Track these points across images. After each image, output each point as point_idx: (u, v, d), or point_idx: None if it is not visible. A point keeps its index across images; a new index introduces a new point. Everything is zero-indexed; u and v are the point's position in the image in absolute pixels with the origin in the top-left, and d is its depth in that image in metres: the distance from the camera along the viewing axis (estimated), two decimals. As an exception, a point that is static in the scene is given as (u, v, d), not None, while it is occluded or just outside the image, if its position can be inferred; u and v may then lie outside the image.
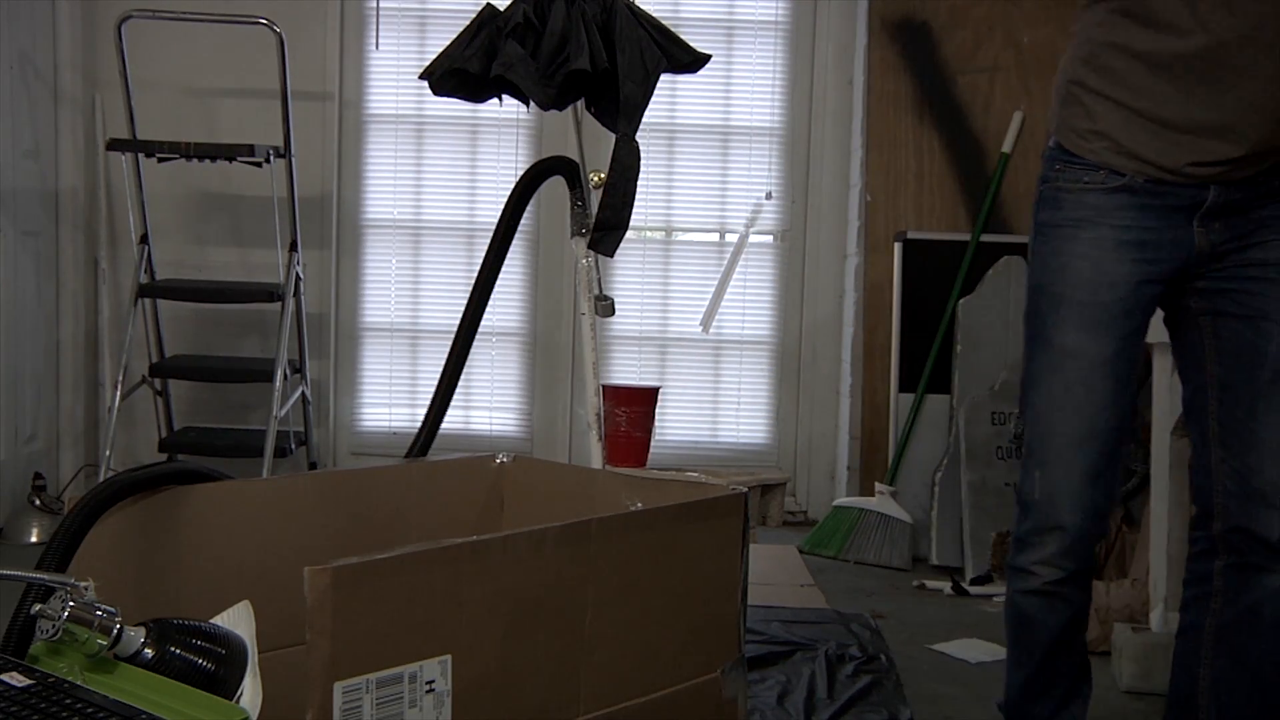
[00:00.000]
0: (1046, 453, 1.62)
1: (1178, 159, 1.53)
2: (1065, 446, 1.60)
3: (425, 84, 2.36)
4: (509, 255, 2.20)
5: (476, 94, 2.46)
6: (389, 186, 3.96)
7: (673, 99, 3.92)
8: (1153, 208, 1.56)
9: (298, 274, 3.50)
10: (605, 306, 2.81)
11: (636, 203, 2.27)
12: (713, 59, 2.32)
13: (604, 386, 3.46)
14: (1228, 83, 1.48)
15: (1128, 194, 1.56)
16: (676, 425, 3.99)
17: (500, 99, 2.42)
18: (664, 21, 2.40)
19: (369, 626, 1.09)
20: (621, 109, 2.27)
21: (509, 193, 2.45)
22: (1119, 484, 1.78)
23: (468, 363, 2.23)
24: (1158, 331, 2.30)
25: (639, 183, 2.33)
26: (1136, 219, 1.56)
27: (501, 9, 2.35)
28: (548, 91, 2.27)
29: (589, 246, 2.46)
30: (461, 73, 2.35)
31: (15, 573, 1.28)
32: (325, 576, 1.05)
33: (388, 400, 3.98)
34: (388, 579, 1.11)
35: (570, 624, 1.30)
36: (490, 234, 2.13)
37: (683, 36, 2.37)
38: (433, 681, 1.14)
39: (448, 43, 2.30)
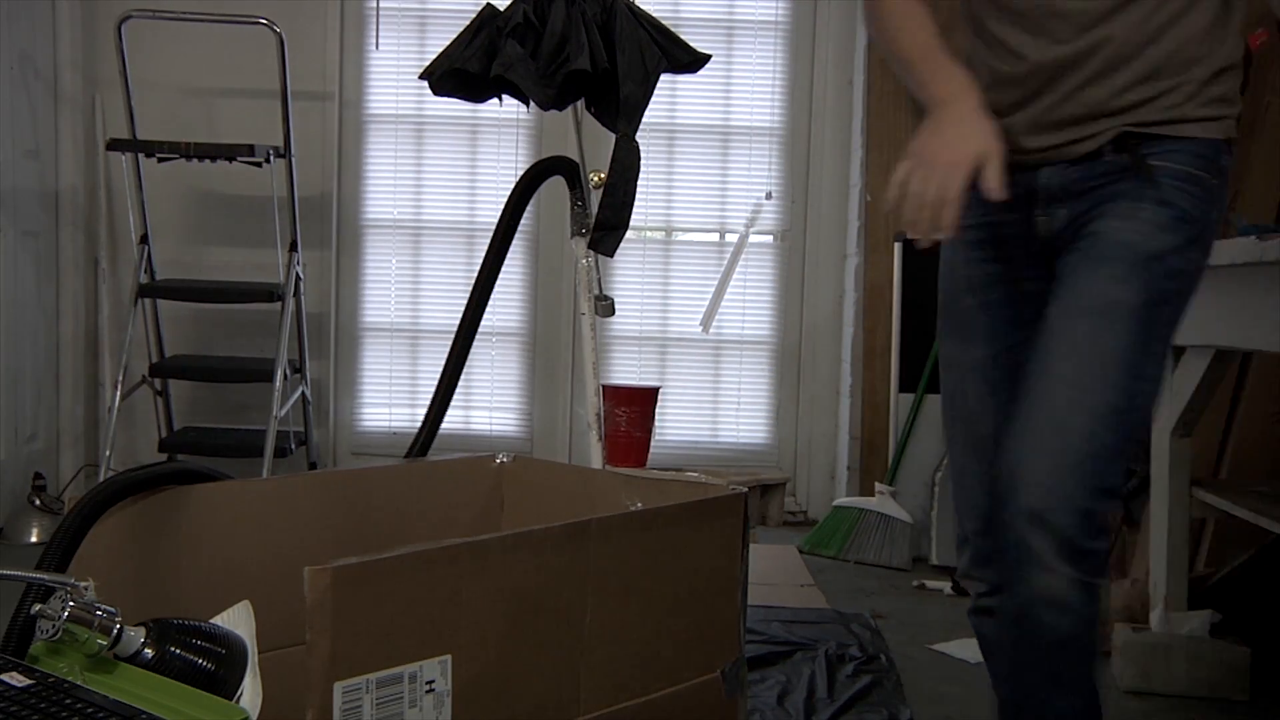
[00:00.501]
0: (950, 463, 1.58)
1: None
2: (958, 456, 1.55)
3: (425, 84, 2.36)
4: (509, 255, 2.20)
5: (476, 94, 2.46)
6: (389, 186, 3.96)
7: (673, 99, 3.92)
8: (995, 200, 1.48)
9: (298, 274, 3.50)
10: (605, 306, 2.81)
11: (636, 203, 2.27)
12: (713, 59, 2.33)
13: (604, 386, 3.46)
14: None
15: (973, 188, 1.47)
16: (676, 425, 3.99)
17: (500, 99, 2.42)
18: (664, 21, 2.40)
19: (369, 626, 1.09)
20: (621, 109, 2.28)
21: (509, 193, 2.45)
22: None
23: (468, 363, 2.23)
24: (1157, 331, 2.30)
25: (639, 183, 2.33)
26: (981, 215, 1.48)
27: (501, 9, 2.35)
28: (547, 92, 2.27)
29: (589, 246, 2.46)
30: (461, 73, 2.35)
31: (15, 573, 1.28)
32: (325, 576, 1.05)
33: (388, 400, 3.98)
34: (388, 579, 1.11)
35: (570, 624, 1.30)
36: (490, 234, 2.13)
37: (683, 36, 2.37)
38: (433, 681, 1.14)
39: (448, 43, 2.30)
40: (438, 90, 2.48)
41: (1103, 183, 1.40)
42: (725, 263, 3.95)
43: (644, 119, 2.43)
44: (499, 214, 2.51)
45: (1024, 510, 1.28)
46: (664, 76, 2.45)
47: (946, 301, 1.55)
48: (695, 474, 3.65)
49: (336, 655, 1.06)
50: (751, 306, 3.99)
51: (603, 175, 2.34)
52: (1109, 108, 1.39)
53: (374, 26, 3.85)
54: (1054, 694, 1.33)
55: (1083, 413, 1.30)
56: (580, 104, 2.46)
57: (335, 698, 1.06)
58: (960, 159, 1.33)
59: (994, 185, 1.33)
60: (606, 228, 2.35)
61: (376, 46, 3.85)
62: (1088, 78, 1.40)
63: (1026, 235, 1.47)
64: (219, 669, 1.24)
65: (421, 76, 2.58)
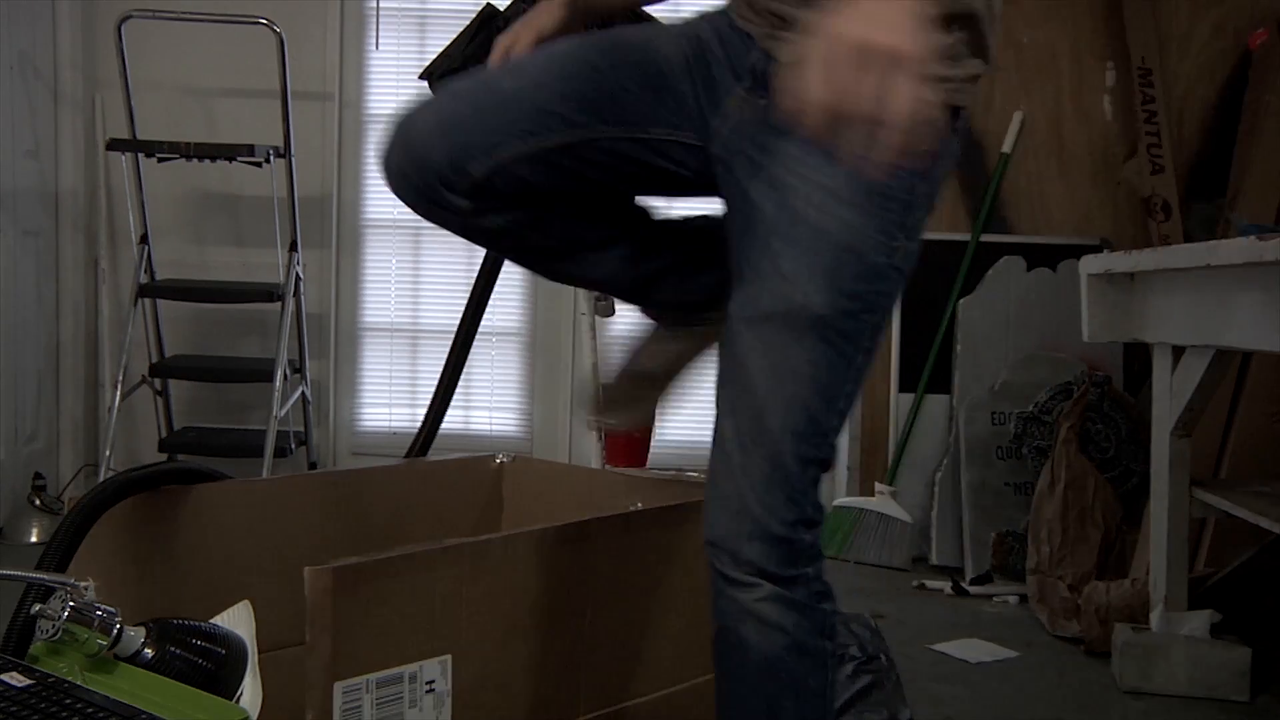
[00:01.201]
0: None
1: None
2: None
3: (425, 84, 2.36)
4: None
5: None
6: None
7: (673, 99, 3.92)
8: None
9: (298, 274, 3.50)
10: (605, 306, 2.81)
11: (636, 203, 2.28)
12: (713, 59, 2.32)
13: (603, 386, 3.46)
14: None
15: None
16: (676, 425, 3.99)
17: (500, 99, 2.42)
18: (664, 22, 2.40)
19: (369, 626, 1.09)
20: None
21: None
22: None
23: (468, 363, 2.23)
24: (1156, 331, 2.30)
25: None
26: (705, 27, 1.31)
27: (501, 9, 2.35)
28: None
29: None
30: (461, 73, 2.34)
31: (15, 573, 1.28)
32: (325, 577, 1.05)
33: (388, 400, 3.98)
34: (388, 579, 1.11)
35: (570, 624, 1.30)
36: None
37: (683, 36, 2.37)
38: (433, 681, 1.14)
39: (448, 43, 2.30)
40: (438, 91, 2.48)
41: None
42: (725, 263, 3.95)
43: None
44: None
45: (709, 540, 1.21)
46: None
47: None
48: (695, 474, 3.65)
49: (336, 655, 1.06)
50: (751, 306, 3.98)
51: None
52: None
53: (374, 26, 3.85)
54: None
55: (769, 439, 1.18)
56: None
57: (335, 698, 1.06)
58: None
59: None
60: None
61: (376, 46, 3.85)
62: None
63: (714, 93, 1.24)
64: (219, 669, 1.24)
65: (421, 77, 2.58)
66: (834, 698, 1.24)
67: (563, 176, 1.28)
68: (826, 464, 1.22)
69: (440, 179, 1.25)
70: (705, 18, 1.30)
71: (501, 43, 1.29)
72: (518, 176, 1.26)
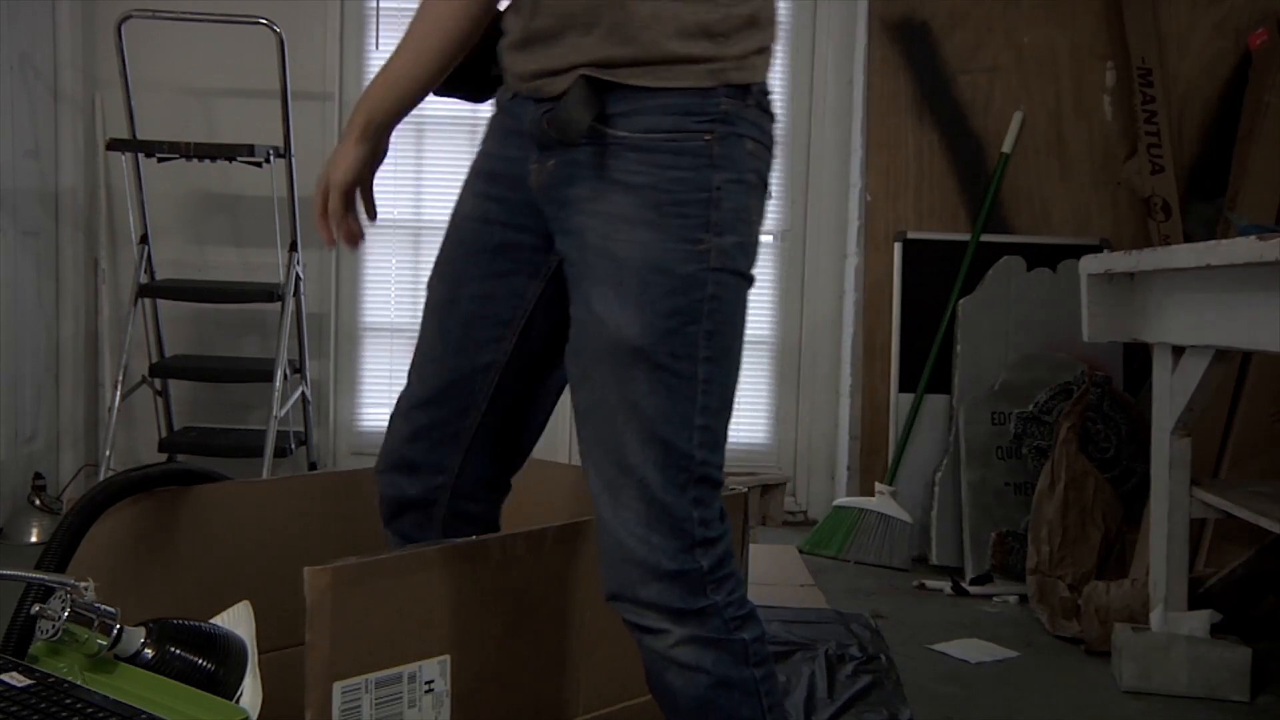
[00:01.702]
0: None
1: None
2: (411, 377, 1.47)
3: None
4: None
5: (476, 94, 2.46)
6: (389, 186, 3.96)
7: (673, 99, 3.92)
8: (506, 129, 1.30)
9: (298, 274, 3.50)
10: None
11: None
12: (712, 59, 2.32)
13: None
14: None
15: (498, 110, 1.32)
16: (676, 425, 3.99)
17: (500, 99, 2.42)
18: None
19: (368, 627, 1.09)
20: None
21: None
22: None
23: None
24: (1156, 331, 2.30)
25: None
26: (492, 145, 1.34)
27: (500, 9, 2.35)
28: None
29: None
30: (460, 74, 2.34)
31: (16, 573, 1.28)
32: (325, 577, 1.05)
33: (388, 400, 3.97)
34: (387, 579, 1.11)
35: (569, 624, 1.30)
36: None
37: (682, 37, 2.36)
38: (432, 681, 1.14)
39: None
40: (437, 92, 2.48)
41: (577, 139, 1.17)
42: (725, 263, 3.95)
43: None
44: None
45: (608, 596, 1.19)
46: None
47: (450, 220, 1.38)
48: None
49: (336, 655, 1.06)
50: (751, 306, 3.98)
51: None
52: (579, 22, 1.16)
53: (374, 26, 3.85)
54: None
55: (629, 484, 1.16)
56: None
57: (334, 697, 1.06)
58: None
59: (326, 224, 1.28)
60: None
61: (377, 46, 3.85)
62: None
63: (519, 178, 1.27)
64: (219, 669, 1.24)
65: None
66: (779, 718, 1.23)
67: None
68: (708, 480, 1.19)
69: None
70: (488, 130, 1.37)
71: (319, 186, 1.31)
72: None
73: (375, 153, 1.30)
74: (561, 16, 1.17)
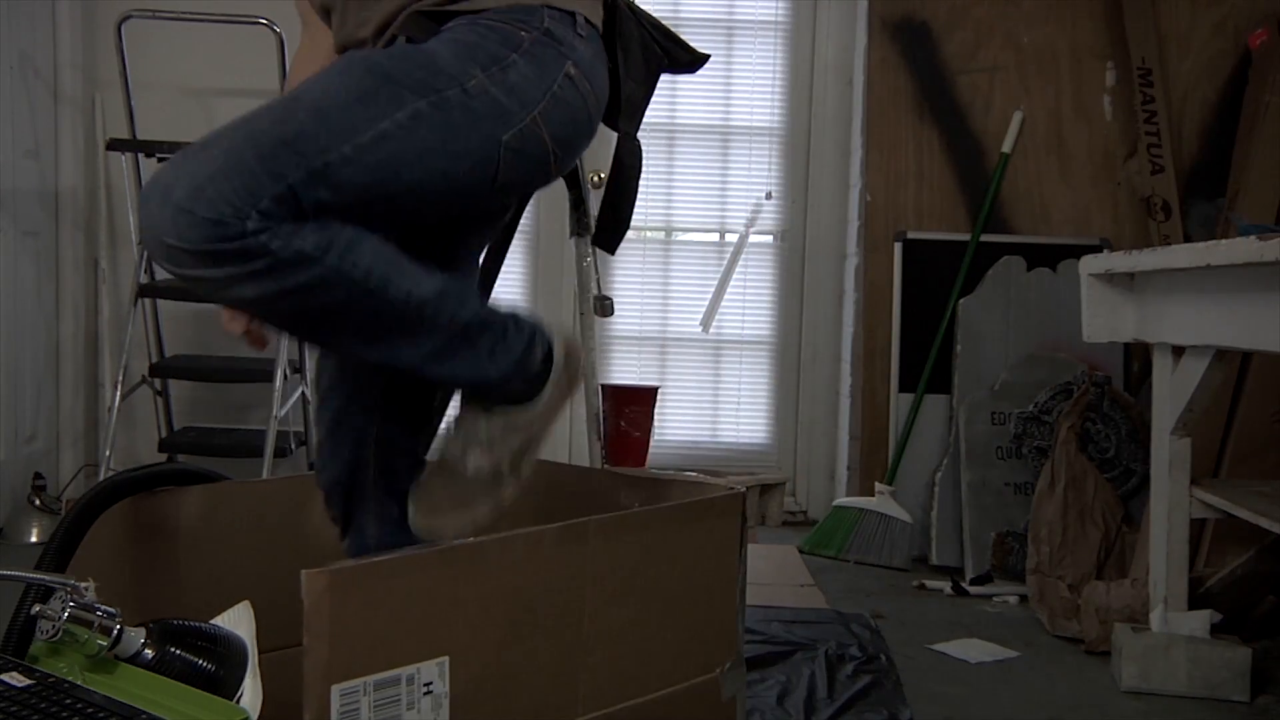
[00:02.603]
0: None
1: None
2: None
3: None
4: (509, 255, 2.19)
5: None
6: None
7: (673, 99, 3.92)
8: None
9: (298, 274, 3.49)
10: (604, 306, 2.81)
11: (638, 203, 2.28)
12: (713, 59, 2.32)
13: (603, 386, 3.46)
14: None
15: None
16: (676, 425, 3.99)
17: (499, 99, 2.42)
18: (664, 21, 2.40)
19: (366, 629, 1.09)
20: (623, 108, 2.27)
21: (509, 193, 2.43)
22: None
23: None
24: (1156, 331, 2.30)
25: (640, 182, 2.33)
26: None
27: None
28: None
29: (593, 242, 2.46)
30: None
31: (16, 573, 1.28)
32: (322, 579, 1.05)
33: (388, 400, 3.97)
34: (385, 581, 1.11)
35: (568, 625, 1.30)
36: (490, 234, 2.12)
37: (683, 36, 2.37)
38: (430, 683, 1.14)
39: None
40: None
41: None
42: (725, 263, 3.95)
43: (644, 119, 2.43)
44: (499, 214, 2.50)
45: (140, 230, 1.12)
46: (664, 76, 2.45)
47: None
48: (693, 474, 3.66)
49: (333, 658, 1.06)
50: (751, 306, 3.99)
51: (603, 175, 2.33)
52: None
53: (374, 26, 3.85)
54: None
55: (238, 129, 1.13)
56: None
57: (332, 701, 1.05)
58: None
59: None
60: (608, 227, 2.34)
61: (376, 46, 3.85)
62: None
63: None
64: (219, 669, 1.24)
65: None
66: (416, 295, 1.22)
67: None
68: (298, 185, 1.11)
69: None
70: None
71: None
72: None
73: None
74: None
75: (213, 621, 1.33)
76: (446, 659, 1.16)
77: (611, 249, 2.44)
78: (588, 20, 1.38)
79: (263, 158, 1.10)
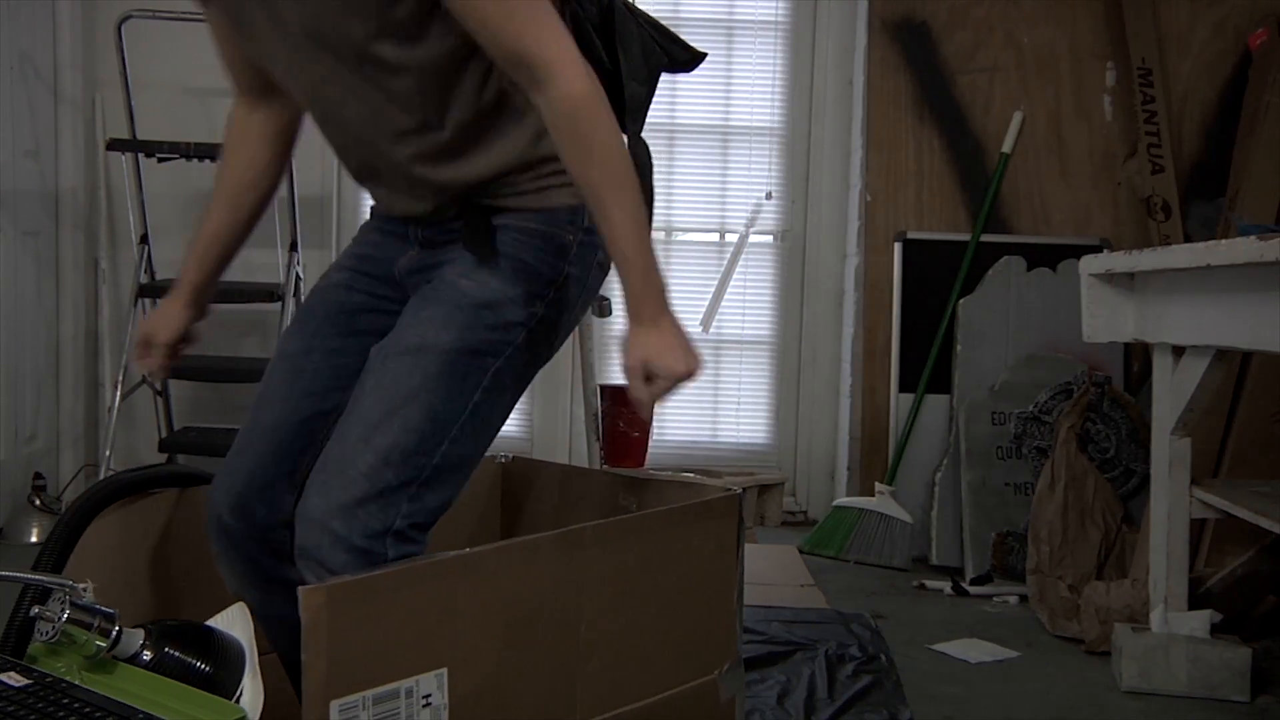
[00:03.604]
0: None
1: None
2: (245, 428, 1.54)
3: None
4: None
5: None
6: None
7: (673, 99, 3.92)
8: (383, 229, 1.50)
9: (298, 274, 3.50)
10: (603, 306, 2.81)
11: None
12: (713, 59, 2.32)
13: (602, 387, 3.46)
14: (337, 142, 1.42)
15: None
16: (676, 425, 3.99)
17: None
18: (664, 21, 2.39)
19: (364, 643, 1.09)
20: (627, 108, 2.27)
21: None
22: None
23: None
24: (1156, 331, 2.30)
25: (654, 179, 2.32)
26: (370, 229, 1.53)
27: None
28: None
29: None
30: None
31: (15, 574, 1.28)
32: (320, 595, 1.05)
33: (388, 400, 3.97)
34: (382, 595, 1.11)
35: (566, 632, 1.30)
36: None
37: (683, 36, 2.36)
38: (429, 695, 1.13)
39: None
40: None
41: (454, 237, 1.40)
42: (725, 263, 3.95)
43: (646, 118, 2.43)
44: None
45: (297, 548, 1.26)
46: (663, 76, 2.45)
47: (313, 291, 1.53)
48: (691, 474, 3.65)
49: (332, 674, 1.05)
50: (751, 306, 3.99)
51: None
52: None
53: (374, 26, 3.84)
54: None
55: (369, 451, 1.25)
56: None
57: (332, 716, 1.05)
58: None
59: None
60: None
61: (376, 46, 3.85)
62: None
63: (389, 260, 1.46)
64: (216, 670, 1.24)
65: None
66: None
67: None
68: (431, 487, 1.28)
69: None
70: (362, 233, 1.55)
71: (137, 342, 1.51)
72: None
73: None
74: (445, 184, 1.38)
75: (209, 623, 1.32)
76: (445, 670, 1.16)
77: None
78: None
79: (399, 473, 1.25)
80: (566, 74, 1.23)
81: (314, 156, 3.80)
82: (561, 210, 1.39)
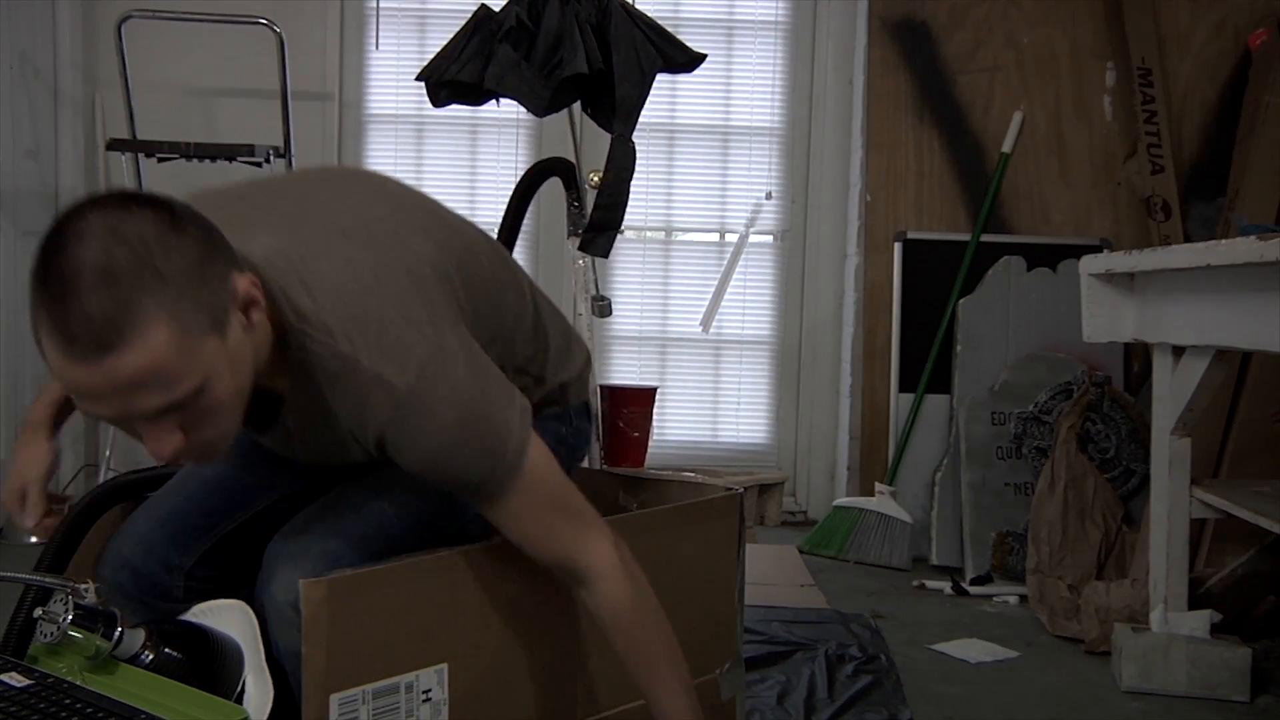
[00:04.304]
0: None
1: None
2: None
3: (424, 84, 2.35)
4: (512, 255, 2.19)
5: (475, 98, 2.46)
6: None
7: (673, 99, 3.92)
8: None
9: (298, 274, 3.49)
10: (602, 307, 2.81)
11: (637, 203, 2.28)
12: (713, 59, 2.32)
13: (602, 386, 3.46)
14: None
15: None
16: (676, 425, 3.99)
17: (498, 100, 2.42)
18: (664, 22, 2.40)
19: (364, 637, 1.09)
20: (617, 110, 2.27)
21: (510, 196, 2.44)
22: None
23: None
24: (1156, 331, 2.30)
25: (637, 182, 2.32)
26: None
27: (497, 9, 2.35)
28: (541, 99, 2.26)
29: (579, 248, 2.46)
30: (458, 81, 2.34)
31: (16, 575, 1.28)
32: (320, 588, 1.05)
33: (388, 400, 3.97)
34: (383, 589, 1.11)
35: (565, 629, 1.30)
36: (491, 234, 2.13)
37: (682, 36, 2.36)
38: (429, 690, 1.14)
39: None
40: (436, 102, 2.48)
41: None
42: (725, 263, 3.95)
43: (643, 119, 2.43)
44: (500, 214, 2.51)
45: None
46: (664, 76, 2.45)
47: None
48: (691, 474, 3.65)
49: (332, 667, 1.05)
50: (751, 306, 3.99)
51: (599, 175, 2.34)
52: None
53: (374, 26, 3.84)
54: None
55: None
56: (577, 105, 2.45)
57: (331, 710, 1.05)
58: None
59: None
60: (599, 229, 2.34)
61: (376, 46, 3.85)
62: None
63: None
64: (217, 671, 1.24)
65: (418, 78, 2.57)
66: None
67: None
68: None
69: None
70: None
71: (10, 492, 1.38)
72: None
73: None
74: None
75: (197, 608, 1.32)
76: (445, 666, 1.16)
77: (602, 253, 2.43)
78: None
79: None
80: (607, 582, 1.22)
81: (314, 156, 3.80)
82: (553, 407, 1.46)
